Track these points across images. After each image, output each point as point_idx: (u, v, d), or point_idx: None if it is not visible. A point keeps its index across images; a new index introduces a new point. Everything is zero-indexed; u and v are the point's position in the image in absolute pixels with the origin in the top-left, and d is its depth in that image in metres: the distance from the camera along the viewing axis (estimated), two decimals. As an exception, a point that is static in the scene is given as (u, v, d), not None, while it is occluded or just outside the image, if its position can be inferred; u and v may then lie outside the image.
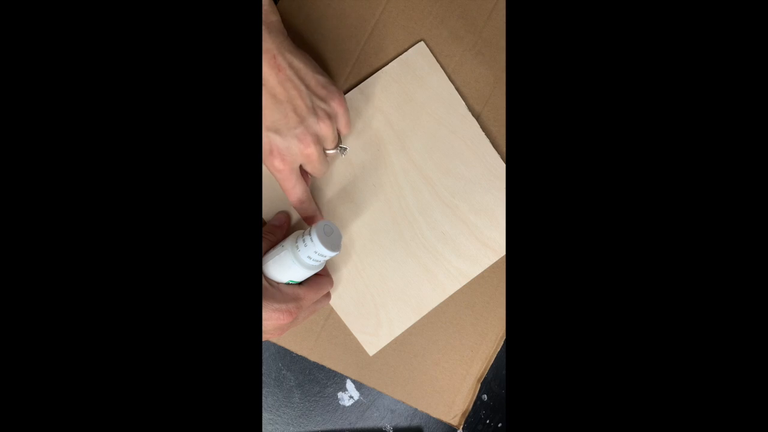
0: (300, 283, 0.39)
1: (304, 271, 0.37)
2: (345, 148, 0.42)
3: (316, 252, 0.36)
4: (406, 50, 0.45)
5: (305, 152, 0.38)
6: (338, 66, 0.44)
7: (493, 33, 0.45)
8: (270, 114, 0.37)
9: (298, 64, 0.38)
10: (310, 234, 0.37)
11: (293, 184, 0.40)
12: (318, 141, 0.39)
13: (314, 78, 0.39)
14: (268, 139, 0.37)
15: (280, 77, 0.37)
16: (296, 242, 0.37)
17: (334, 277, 0.44)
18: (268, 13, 0.38)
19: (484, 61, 0.45)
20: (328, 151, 0.41)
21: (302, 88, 0.38)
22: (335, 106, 0.39)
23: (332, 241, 0.38)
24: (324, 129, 0.38)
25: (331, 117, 0.39)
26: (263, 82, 0.37)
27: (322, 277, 0.41)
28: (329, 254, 0.37)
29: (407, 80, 0.44)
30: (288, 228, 0.43)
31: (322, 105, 0.38)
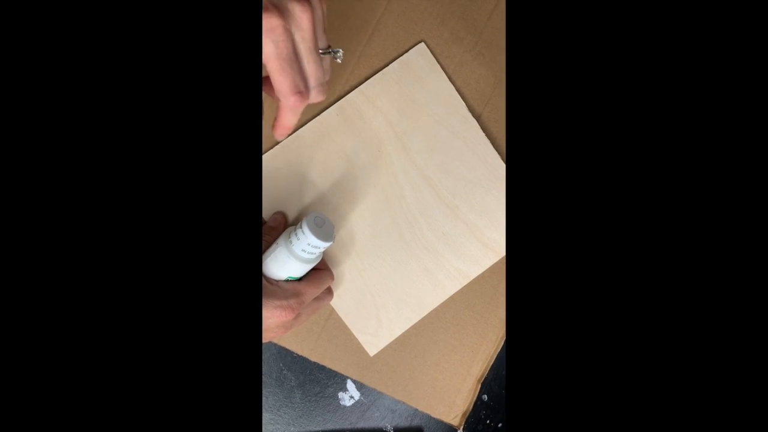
0: (299, 279, 0.39)
1: (301, 265, 0.38)
2: (338, 52, 0.37)
3: (309, 244, 0.37)
4: (406, 51, 0.45)
5: (301, 16, 0.32)
6: (339, 67, 0.44)
7: (494, 34, 0.45)
8: None
9: None
10: (301, 227, 0.37)
11: (289, 65, 0.33)
12: (313, 12, 0.33)
13: None
14: None
15: None
16: (289, 237, 0.37)
17: (334, 277, 0.44)
18: None
19: (484, 62, 0.45)
20: (321, 53, 0.35)
21: None
22: (323, 4, 0.35)
23: (324, 231, 0.38)
24: (316, 2, 0.33)
25: (322, 3, 0.34)
26: None
27: (321, 272, 0.41)
28: (322, 245, 0.37)
29: (408, 81, 0.45)
30: (284, 229, 0.43)
31: None
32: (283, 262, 0.37)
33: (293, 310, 0.36)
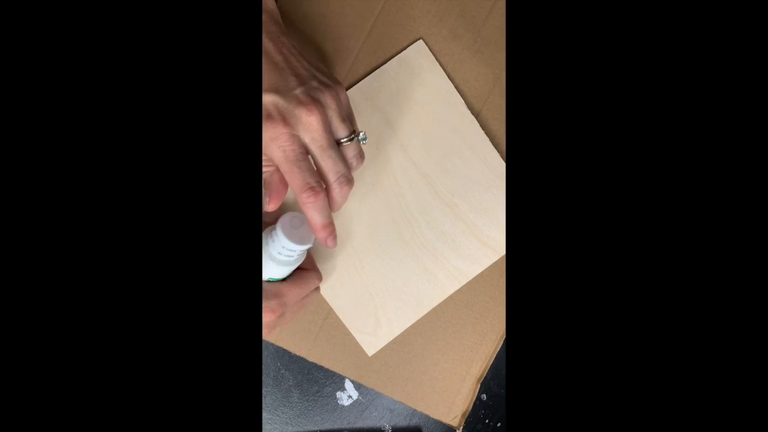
0: (284, 279, 0.38)
1: (280, 267, 0.36)
2: (360, 134, 0.36)
3: (284, 247, 0.35)
4: (404, 48, 0.44)
5: (308, 120, 0.33)
6: (337, 64, 0.44)
7: (492, 31, 0.45)
8: (267, 77, 0.33)
9: (300, 50, 0.35)
10: (275, 228, 0.35)
11: (297, 166, 0.33)
12: (323, 112, 0.33)
13: (317, 65, 0.36)
14: (265, 101, 0.33)
15: (281, 49, 0.34)
16: (266, 239, 0.36)
17: (332, 276, 0.44)
18: (270, 6, 0.36)
19: (483, 59, 0.45)
20: (342, 142, 0.35)
21: (303, 62, 0.35)
22: (340, 94, 0.35)
23: (301, 233, 0.35)
24: (329, 99, 0.34)
25: (336, 97, 0.34)
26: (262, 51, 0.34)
27: (307, 272, 0.40)
28: (298, 248, 0.35)
29: (406, 79, 0.44)
30: None
31: (326, 80, 0.35)
32: (263, 264, 0.36)
33: (274, 312, 0.36)
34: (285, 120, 0.32)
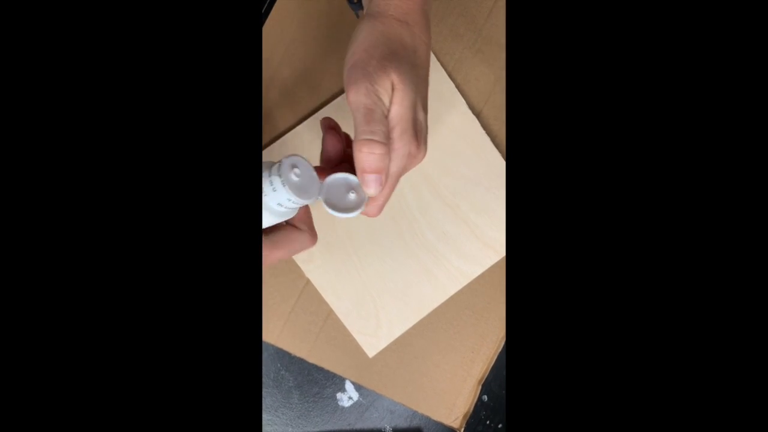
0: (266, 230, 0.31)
1: (269, 216, 0.29)
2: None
3: (288, 199, 0.28)
4: (405, 48, 0.44)
5: (416, 156, 0.33)
6: (337, 64, 0.44)
7: (493, 31, 0.45)
8: (422, 88, 0.33)
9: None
10: (271, 176, 0.28)
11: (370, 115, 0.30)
12: (423, 157, 0.33)
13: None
14: (412, 100, 0.31)
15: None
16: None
17: (333, 277, 0.44)
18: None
19: (484, 59, 0.45)
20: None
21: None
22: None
23: (302, 184, 0.28)
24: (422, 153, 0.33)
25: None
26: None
27: (296, 232, 0.33)
28: (299, 202, 0.28)
29: (407, 78, 0.44)
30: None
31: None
32: None
33: None
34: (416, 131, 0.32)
